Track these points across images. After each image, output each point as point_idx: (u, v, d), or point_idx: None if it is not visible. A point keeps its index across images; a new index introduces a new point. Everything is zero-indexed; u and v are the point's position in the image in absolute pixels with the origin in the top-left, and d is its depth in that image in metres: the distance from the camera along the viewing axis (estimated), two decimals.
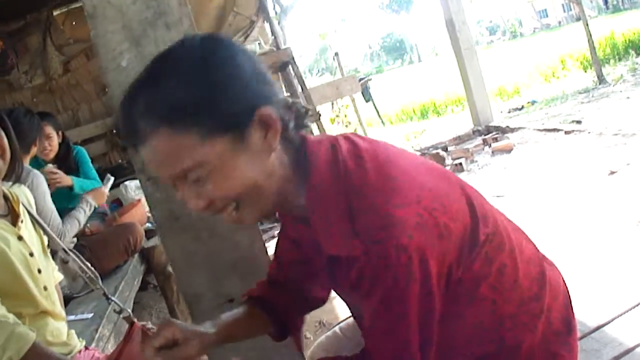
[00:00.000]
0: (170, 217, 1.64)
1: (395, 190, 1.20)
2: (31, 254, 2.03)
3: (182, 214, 1.63)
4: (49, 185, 3.50)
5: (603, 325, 1.78)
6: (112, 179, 4.25)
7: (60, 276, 2.35)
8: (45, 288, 2.06)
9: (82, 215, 3.64)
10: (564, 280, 1.53)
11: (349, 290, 1.31)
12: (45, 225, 2.25)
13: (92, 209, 3.78)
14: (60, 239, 3.21)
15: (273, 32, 7.08)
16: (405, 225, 1.15)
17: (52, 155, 4.33)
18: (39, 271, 2.05)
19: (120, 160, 6.83)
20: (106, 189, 4.10)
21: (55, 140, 4.32)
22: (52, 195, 3.40)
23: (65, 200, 4.00)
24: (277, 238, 1.68)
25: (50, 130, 4.27)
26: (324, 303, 1.70)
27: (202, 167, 1.16)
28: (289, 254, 1.63)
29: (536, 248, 1.50)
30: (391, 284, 1.17)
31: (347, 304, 1.54)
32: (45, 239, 2.24)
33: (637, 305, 1.85)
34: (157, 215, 1.66)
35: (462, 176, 6.85)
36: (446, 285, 1.24)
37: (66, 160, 4.44)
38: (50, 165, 4.19)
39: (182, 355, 1.37)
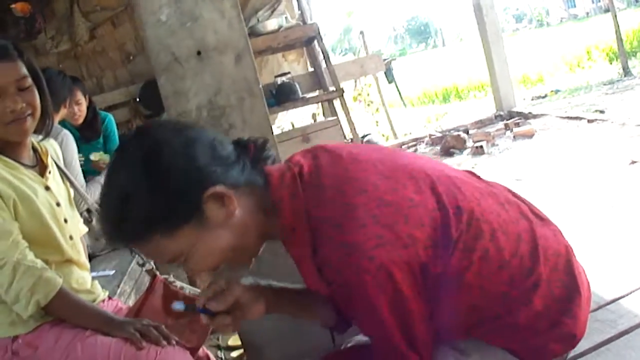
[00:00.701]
0: None
1: (352, 216, 1.29)
2: (58, 204, 2.08)
3: None
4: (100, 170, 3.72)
5: (619, 298, 1.81)
6: None
7: (85, 229, 2.40)
8: (71, 237, 2.11)
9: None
10: (566, 246, 1.54)
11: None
12: (72, 178, 2.30)
13: None
14: (80, 199, 3.29)
15: (300, 7, 7.08)
16: (363, 248, 1.25)
17: (80, 120, 4.37)
18: (65, 221, 2.10)
19: None
20: None
21: (84, 105, 4.37)
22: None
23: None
24: None
25: (79, 95, 4.32)
26: None
27: (181, 255, 1.32)
28: None
29: (530, 223, 1.49)
30: (360, 303, 1.28)
31: None
32: (72, 191, 2.29)
33: None
34: None
35: (483, 159, 6.86)
36: (425, 282, 1.31)
37: (93, 125, 4.49)
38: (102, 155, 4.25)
39: (226, 301, 1.43)
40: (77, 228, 2.22)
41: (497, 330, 1.43)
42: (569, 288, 1.47)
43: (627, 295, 1.84)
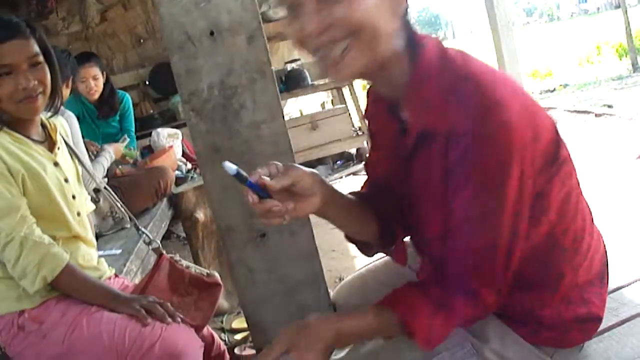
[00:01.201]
0: (212, 148, 1.69)
1: (498, 83, 1.23)
2: (66, 180, 2.10)
3: (223, 146, 1.68)
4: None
5: (622, 287, 1.83)
6: (128, 139, 4.35)
7: (92, 206, 2.42)
8: (78, 214, 2.13)
9: (106, 162, 3.74)
10: (604, 242, 1.57)
11: (435, 184, 1.30)
12: (80, 155, 2.32)
13: (112, 159, 3.89)
14: (89, 177, 3.32)
15: None
16: (510, 109, 1.18)
17: (96, 95, 4.42)
18: (73, 197, 2.12)
19: (151, 111, 6.89)
20: (122, 146, 4.19)
21: (101, 80, 4.41)
22: None
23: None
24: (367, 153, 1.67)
25: (96, 71, 4.37)
26: None
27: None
28: (378, 167, 1.60)
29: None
30: (495, 165, 1.19)
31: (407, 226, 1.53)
32: (80, 169, 2.31)
33: None
34: (199, 146, 1.70)
35: None
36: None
37: (110, 102, 4.53)
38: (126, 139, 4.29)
39: (289, 179, 1.28)
40: (85, 205, 2.24)
41: (538, 284, 1.42)
42: (602, 274, 1.51)
43: (629, 284, 1.86)
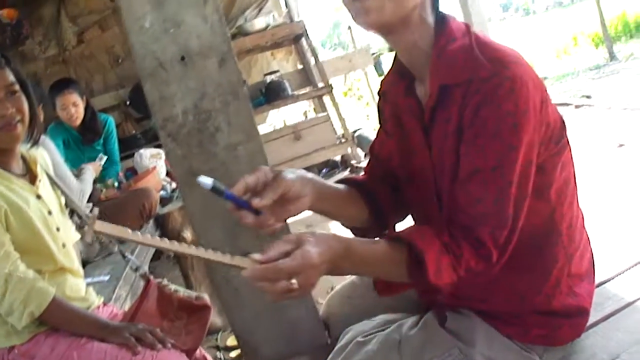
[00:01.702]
0: (190, 172, 1.69)
1: (515, 53, 1.32)
2: (50, 213, 2.09)
3: (201, 169, 1.69)
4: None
5: (605, 282, 1.84)
6: (105, 157, 4.38)
7: (77, 236, 2.41)
8: (63, 245, 2.12)
9: (90, 177, 3.80)
10: (591, 247, 1.61)
11: (451, 138, 1.35)
12: (62, 186, 2.31)
13: (94, 175, 3.94)
14: (80, 196, 3.34)
15: (287, 5, 7.10)
16: (525, 70, 1.28)
17: (78, 122, 4.43)
18: (58, 229, 2.11)
19: (133, 131, 6.87)
20: (99, 165, 4.23)
21: (81, 106, 4.43)
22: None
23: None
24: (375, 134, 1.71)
25: (76, 97, 4.38)
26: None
27: None
28: (385, 148, 1.64)
29: None
30: (512, 108, 1.24)
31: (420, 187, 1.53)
32: (63, 199, 2.30)
33: (638, 264, 1.91)
34: (177, 171, 1.72)
35: None
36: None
37: (93, 127, 4.54)
38: (102, 157, 4.31)
39: (278, 190, 1.29)
40: (70, 236, 2.23)
41: (529, 267, 1.45)
42: (589, 273, 1.56)
43: (613, 278, 1.87)
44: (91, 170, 3.90)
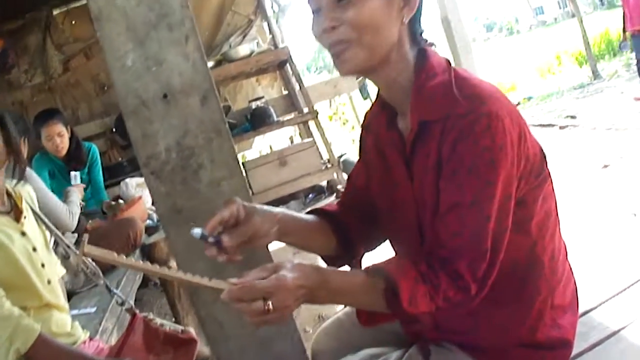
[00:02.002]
0: (173, 209, 1.70)
1: (493, 88, 1.35)
2: (34, 249, 2.09)
3: (185, 206, 1.69)
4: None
5: (590, 310, 1.85)
6: (78, 174, 4.40)
7: (62, 270, 2.40)
8: (49, 282, 2.12)
9: (77, 199, 3.84)
10: (574, 278, 1.62)
11: (431, 172, 1.36)
12: (47, 222, 2.31)
13: (79, 197, 3.98)
14: (72, 220, 3.33)
15: (271, 31, 7.13)
16: (505, 104, 1.30)
17: (64, 152, 4.45)
18: (43, 265, 2.11)
19: (120, 159, 6.87)
20: (77, 183, 4.30)
21: (66, 136, 4.45)
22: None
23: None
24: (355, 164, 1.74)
25: (60, 127, 4.40)
26: (384, 242, 1.71)
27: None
28: (361, 178, 1.68)
29: None
30: (489, 144, 1.26)
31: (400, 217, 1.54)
32: (48, 234, 2.30)
33: (622, 292, 1.92)
34: (160, 208, 1.72)
35: None
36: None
37: (77, 156, 4.56)
38: (76, 175, 4.31)
39: (247, 233, 1.40)
40: (55, 271, 2.23)
41: (512, 301, 1.46)
42: (572, 304, 1.56)
43: (597, 306, 1.88)
44: (76, 192, 3.92)
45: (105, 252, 1.26)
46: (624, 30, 8.71)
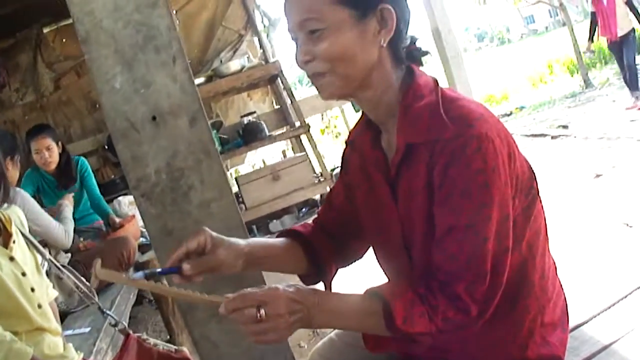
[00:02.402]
0: (164, 231, 1.70)
1: (481, 107, 1.35)
2: (24, 274, 2.07)
3: (175, 227, 1.69)
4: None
5: (581, 325, 1.85)
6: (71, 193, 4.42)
7: (55, 293, 2.38)
8: (39, 306, 2.10)
9: (69, 212, 3.85)
10: (564, 294, 1.60)
11: (420, 194, 1.36)
12: (38, 245, 2.29)
13: (72, 209, 3.98)
14: (66, 238, 3.32)
15: (261, 46, 7.16)
16: (493, 124, 1.30)
17: (53, 166, 4.45)
18: (32, 290, 2.09)
19: (112, 176, 6.87)
20: (67, 195, 4.26)
21: (56, 151, 4.44)
22: None
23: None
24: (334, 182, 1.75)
25: (49, 141, 4.40)
26: (361, 258, 1.72)
27: (320, 22, 1.33)
28: (339, 198, 1.68)
29: None
30: (482, 166, 1.25)
31: (387, 243, 1.54)
32: (39, 257, 2.28)
33: (613, 305, 1.92)
34: (151, 229, 1.72)
35: None
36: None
37: (67, 171, 4.55)
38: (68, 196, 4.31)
39: (210, 264, 1.43)
40: (45, 295, 2.21)
41: (503, 317, 1.44)
42: (562, 321, 1.55)
43: (589, 320, 1.88)
44: (69, 206, 3.92)
45: (116, 275, 1.38)
46: (590, 39, 9.06)
